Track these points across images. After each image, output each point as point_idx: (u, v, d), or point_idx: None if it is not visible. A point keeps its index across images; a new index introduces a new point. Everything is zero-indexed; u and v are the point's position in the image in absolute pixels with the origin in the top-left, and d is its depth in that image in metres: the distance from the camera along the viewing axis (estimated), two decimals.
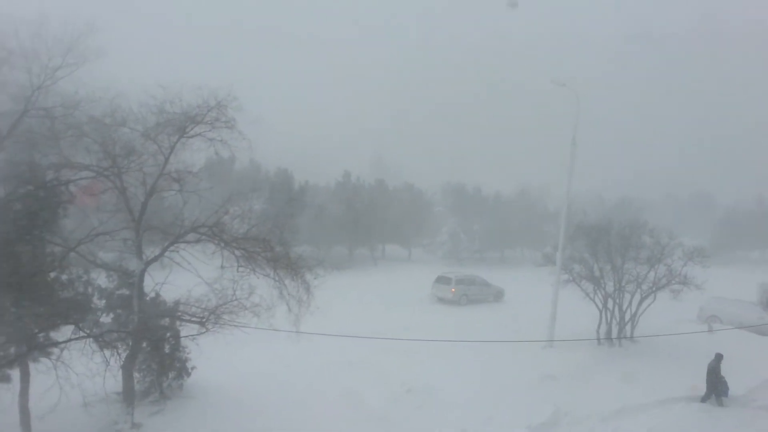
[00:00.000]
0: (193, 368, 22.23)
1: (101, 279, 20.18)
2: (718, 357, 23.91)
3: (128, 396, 19.95)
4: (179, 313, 20.84)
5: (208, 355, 21.76)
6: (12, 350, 17.43)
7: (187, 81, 19.69)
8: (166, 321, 21.16)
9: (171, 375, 21.90)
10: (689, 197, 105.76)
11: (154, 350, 20.85)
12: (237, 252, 20.73)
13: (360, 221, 63.00)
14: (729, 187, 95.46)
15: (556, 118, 71.68)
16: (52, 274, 17.89)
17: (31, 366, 18.27)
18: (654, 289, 31.06)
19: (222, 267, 21.19)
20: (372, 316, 37.10)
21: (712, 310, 38.85)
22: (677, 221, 67.97)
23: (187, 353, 22.03)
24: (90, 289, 19.16)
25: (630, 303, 31.84)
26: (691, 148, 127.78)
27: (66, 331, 18.33)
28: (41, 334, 17.71)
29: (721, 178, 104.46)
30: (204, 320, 20.31)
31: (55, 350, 17.32)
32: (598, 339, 31.58)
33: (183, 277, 20.72)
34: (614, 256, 31.55)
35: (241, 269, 20.96)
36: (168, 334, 21.33)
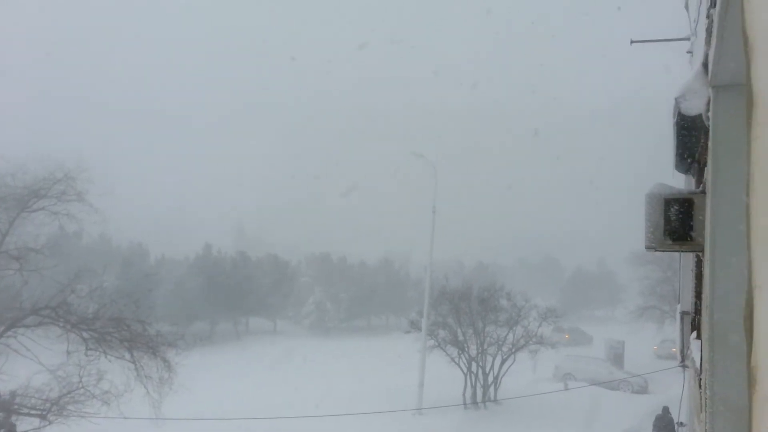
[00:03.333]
0: None
1: None
2: (665, 409, 23.47)
3: None
4: (15, 406, 18.76)
5: None
6: None
7: (33, 153, 18.53)
8: (1, 415, 18.95)
9: None
10: (539, 261, 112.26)
11: None
12: (85, 334, 19.22)
13: (222, 294, 60.98)
14: (573, 251, 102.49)
15: (415, 186, 74.30)
16: None
17: None
18: (513, 350, 32.19)
19: (68, 352, 19.49)
20: (238, 393, 35.43)
21: (567, 368, 40.77)
22: (529, 284, 71.69)
23: None
24: None
25: (492, 365, 32.74)
26: (540, 215, 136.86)
27: None
28: None
29: (566, 244, 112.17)
30: (45, 412, 18.40)
31: None
32: (464, 403, 32.02)
33: (21, 365, 18.80)
34: (475, 319, 32.51)
35: (90, 352, 19.38)
36: (3, 430, 19.07)
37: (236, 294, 62.60)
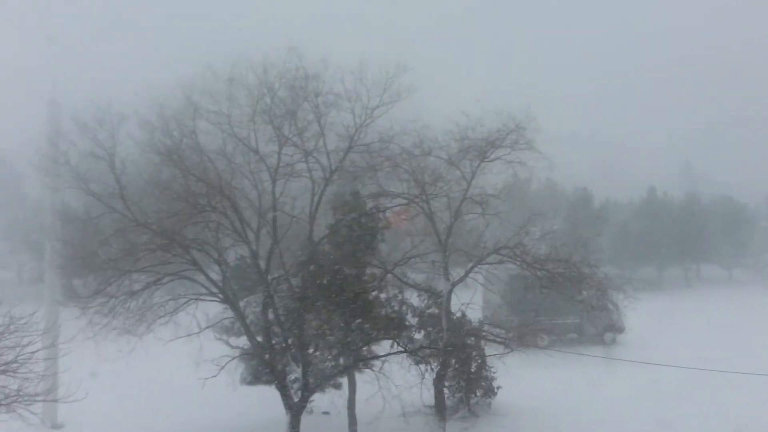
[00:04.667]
0: (498, 388, 22.61)
1: (413, 298, 21.69)
2: None
3: (440, 410, 21.02)
4: (484, 333, 21.47)
5: (515, 375, 21.92)
6: (341, 361, 19.72)
7: (489, 106, 20.41)
8: (472, 340, 21.91)
9: (479, 393, 22.54)
10: None
11: (461, 368, 21.70)
12: (539, 273, 20.72)
13: (668, 239, 58.47)
14: None
15: None
16: (373, 294, 19.79)
17: (357, 376, 20.44)
18: None
19: (524, 288, 21.37)
20: (688, 341, 33.88)
21: None
22: None
23: (493, 372, 22.49)
24: (404, 308, 20.77)
25: None
26: None
27: (385, 346, 20.15)
28: (365, 348, 19.75)
29: None
30: (507, 341, 20.63)
31: (377, 363, 19.06)
32: None
33: (477, 298, 21.33)
34: None
35: (543, 290, 20.89)
36: (474, 353, 22.06)
37: (685, 239, 59.27)
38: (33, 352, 14.43)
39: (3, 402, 13.65)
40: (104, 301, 17.85)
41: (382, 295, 20.14)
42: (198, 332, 18.93)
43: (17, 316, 14.18)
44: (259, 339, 19.05)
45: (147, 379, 26.38)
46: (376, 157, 19.97)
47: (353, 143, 19.33)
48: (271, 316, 18.99)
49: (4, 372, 13.82)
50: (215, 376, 18.33)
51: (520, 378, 22.63)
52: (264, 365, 19.36)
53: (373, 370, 18.72)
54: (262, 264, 18.70)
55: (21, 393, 13.93)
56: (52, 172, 18.33)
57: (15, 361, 14.00)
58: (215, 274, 19.14)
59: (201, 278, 18.91)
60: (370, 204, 20.71)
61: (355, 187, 20.48)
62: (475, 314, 21.68)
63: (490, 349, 21.73)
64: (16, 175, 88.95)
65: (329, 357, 20.02)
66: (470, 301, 21.36)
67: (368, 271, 20.35)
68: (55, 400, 17.11)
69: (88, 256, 17.71)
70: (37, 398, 14.46)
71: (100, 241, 17.83)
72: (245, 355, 20.02)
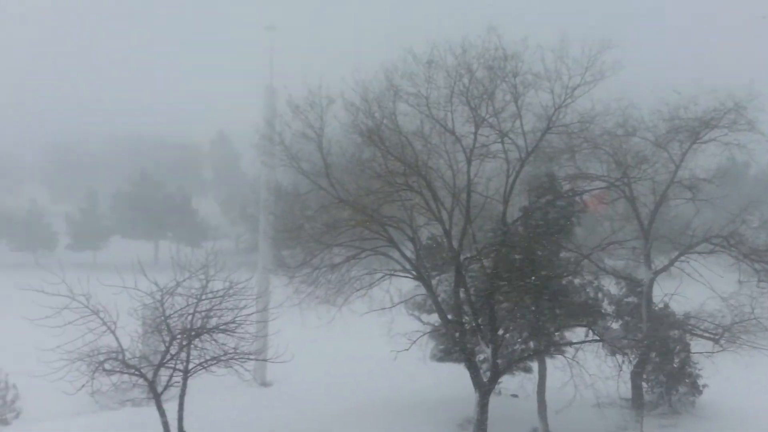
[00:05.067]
0: (704, 386, 20.94)
1: (610, 286, 20.76)
2: None
3: (637, 404, 20.00)
4: (690, 327, 20.00)
5: (725, 375, 20.16)
6: (532, 345, 19.46)
7: (704, 83, 18.82)
8: (676, 333, 20.51)
9: (681, 390, 21.07)
10: None
11: (663, 362, 20.41)
12: (757, 265, 18.86)
13: None
14: None
15: None
16: (566, 278, 19.23)
17: (548, 362, 20.06)
18: None
19: (739, 281, 19.56)
20: None
21: None
22: None
23: (699, 370, 20.86)
24: (600, 295, 19.97)
25: None
26: None
27: (579, 333, 19.54)
28: (557, 333, 19.30)
29: None
30: (717, 337, 19.03)
31: (570, 349, 18.54)
32: None
33: (693, 289, 19.82)
34: None
35: (761, 284, 18.97)
36: (677, 347, 20.66)
37: None
38: (248, 315, 15.96)
39: (222, 358, 15.21)
40: (309, 272, 19.18)
41: (577, 281, 19.50)
42: (391, 307, 19.70)
43: (235, 281, 15.70)
44: (450, 317, 19.36)
45: (344, 347, 28.07)
46: (575, 138, 19.27)
47: (551, 124, 18.78)
48: (462, 295, 19.19)
49: (223, 331, 15.41)
50: (407, 349, 18.94)
51: (732, 379, 20.77)
52: (454, 343, 19.66)
53: (565, 357, 18.23)
54: (455, 243, 18.92)
55: (237, 351, 15.46)
56: (268, 151, 19.98)
57: (233, 322, 15.57)
58: (409, 252, 19.71)
59: (396, 255, 19.58)
60: (566, 186, 20.09)
61: (551, 169, 19.96)
62: (681, 306, 20.24)
63: (696, 345, 20.18)
64: (236, 154, 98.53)
65: (519, 340, 19.85)
66: (674, 292, 19.98)
67: (562, 255, 19.84)
68: (265, 360, 18.84)
69: (296, 229, 19.11)
70: (251, 357, 15.97)
71: (307, 216, 19.12)
72: (436, 332, 20.49)
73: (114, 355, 14.16)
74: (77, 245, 64.07)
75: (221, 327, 15.39)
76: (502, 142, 19.06)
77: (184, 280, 14.92)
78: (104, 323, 13.98)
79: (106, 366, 14.04)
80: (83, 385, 13.70)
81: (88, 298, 13.75)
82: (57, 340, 13.33)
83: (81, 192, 71.16)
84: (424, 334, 19.88)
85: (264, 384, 25.02)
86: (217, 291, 15.40)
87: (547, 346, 18.95)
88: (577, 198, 20.05)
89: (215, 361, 15.24)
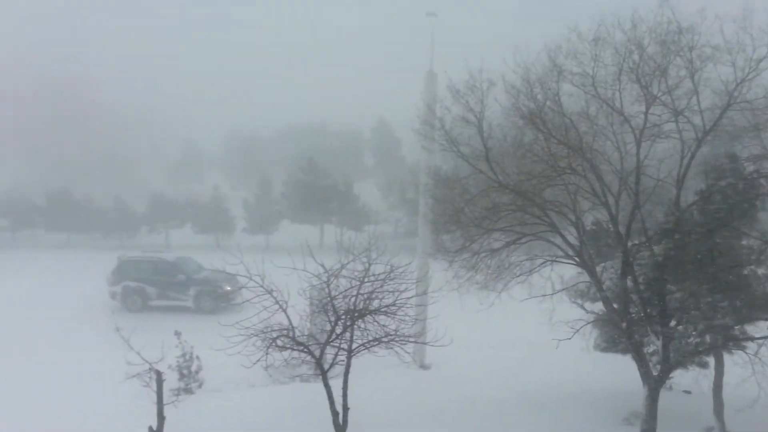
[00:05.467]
0: None
1: None
2: None
3: None
4: None
5: None
6: (708, 338, 18.10)
7: None
8: None
9: None
10: None
11: None
12: None
13: None
14: None
15: None
16: (749, 268, 17.65)
17: (726, 357, 18.58)
18: None
19: None
20: None
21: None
22: None
23: None
24: None
25: None
26: None
27: (762, 327, 17.90)
28: (737, 327, 17.78)
29: None
30: None
31: (752, 345, 17.07)
32: None
33: None
34: None
35: None
36: None
37: None
38: (408, 298, 16.29)
39: (383, 339, 15.67)
40: (468, 257, 19.19)
41: (761, 271, 17.82)
42: (552, 294, 19.22)
43: (396, 265, 16.08)
44: (616, 306, 18.51)
45: (503, 333, 27.88)
46: (759, 115, 17.52)
47: (732, 100, 17.20)
48: (629, 284, 18.26)
49: (384, 313, 15.85)
50: (569, 338, 18.43)
51: None
52: (620, 334, 18.79)
53: (746, 353, 16.80)
54: (621, 229, 18.02)
55: (398, 333, 15.85)
56: (428, 136, 20.16)
57: (393, 304, 15.97)
58: (572, 237, 19.10)
59: (558, 240, 19.04)
60: (749, 167, 18.38)
61: (732, 149, 18.37)
62: None
63: None
64: (396, 139, 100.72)
65: (693, 332, 18.55)
66: None
67: (744, 242, 18.21)
68: (424, 343, 19.16)
69: (455, 213, 19.15)
70: (410, 339, 16.31)
71: (467, 200, 19.07)
72: (600, 321, 19.71)
73: (285, 332, 15.06)
74: (252, 229, 68.67)
75: (383, 309, 15.83)
76: (676, 121, 17.80)
77: (348, 263, 15.52)
78: (277, 302, 14.89)
79: (278, 342, 14.98)
80: (258, 360, 14.71)
81: (262, 278, 14.73)
82: (236, 317, 14.43)
83: (256, 179, 76.18)
84: (588, 323, 19.22)
85: (423, 367, 25.46)
86: (379, 274, 15.85)
87: (726, 340, 17.53)
88: (762, 180, 18.27)
89: (377, 342, 15.73)
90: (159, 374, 14.33)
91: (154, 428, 14.20)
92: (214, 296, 37.37)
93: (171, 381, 19.74)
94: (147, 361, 14.31)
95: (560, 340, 18.23)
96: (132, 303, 38.38)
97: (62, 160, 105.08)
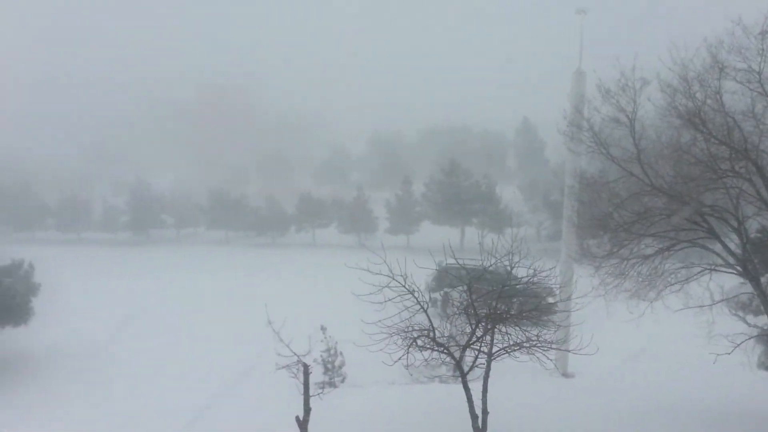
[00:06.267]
0: None
1: None
2: None
3: None
4: None
5: None
6: None
7: None
8: None
9: None
10: None
11: None
12: None
13: None
14: None
15: None
16: None
17: None
18: None
19: None
20: None
21: None
22: None
23: None
24: None
25: None
26: None
27: None
28: None
29: None
30: None
31: None
32: None
33: None
34: None
35: None
36: None
37: None
38: (551, 303, 15.88)
39: (525, 344, 15.38)
40: (616, 263, 18.38)
41: None
42: (711, 305, 17.99)
43: (539, 269, 15.73)
44: None
45: (654, 344, 26.38)
46: None
47: None
48: None
49: (527, 317, 15.56)
50: (728, 353, 17.13)
51: None
52: None
53: None
54: None
55: (540, 339, 15.49)
56: (575, 137, 19.55)
57: (536, 309, 15.63)
58: (733, 245, 17.73)
59: (717, 248, 17.77)
60: None
61: None
62: None
63: None
64: (540, 141, 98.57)
65: None
66: None
67: None
68: (567, 350, 18.57)
69: (602, 218, 18.42)
70: (553, 346, 15.88)
71: (615, 204, 18.28)
72: (765, 337, 18.15)
73: (425, 332, 15.20)
74: (394, 229, 69.99)
75: (524, 313, 15.55)
76: None
77: (489, 266, 15.39)
78: (418, 302, 15.07)
79: (419, 342, 15.14)
80: (399, 358, 14.96)
81: (405, 278, 14.96)
82: (378, 315, 14.77)
83: (398, 180, 77.53)
84: (750, 338, 17.76)
85: (566, 375, 24.67)
86: (521, 278, 15.58)
87: None
88: None
89: (518, 347, 15.46)
90: (306, 367, 14.99)
91: (301, 418, 14.88)
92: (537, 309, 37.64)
93: (316, 374, 20.56)
94: (295, 354, 15.01)
95: (718, 355, 16.99)
96: (451, 310, 39.80)
97: (222, 162, 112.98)
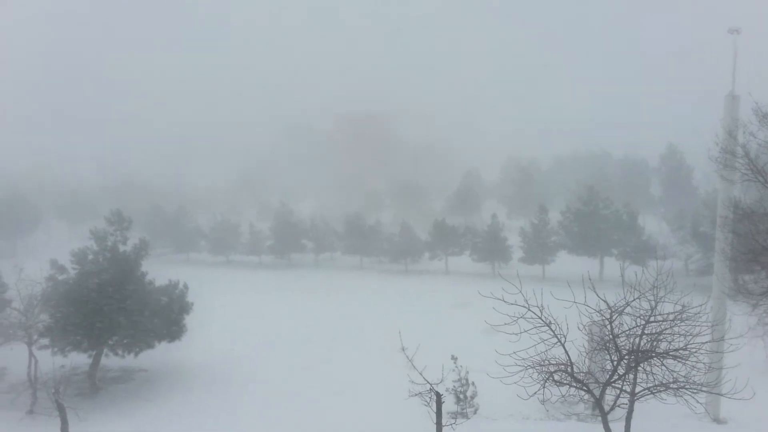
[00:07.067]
0: None
1: None
2: None
3: None
4: None
5: None
6: None
7: None
8: None
9: None
10: None
11: None
12: None
13: None
14: None
15: None
16: None
17: None
18: None
19: None
20: None
21: None
22: None
23: None
24: None
25: None
26: None
27: None
28: None
29: None
30: None
31: None
32: None
33: None
34: None
35: None
36: None
37: None
38: (702, 343, 14.78)
39: (672, 386, 14.41)
40: None
41: None
42: None
43: (688, 305, 14.72)
44: None
45: None
46: None
47: None
48: None
49: (674, 357, 14.58)
50: None
51: None
52: None
53: None
54: None
55: (688, 380, 14.44)
56: (729, 164, 18.29)
57: (684, 348, 14.61)
58: None
59: None
60: None
61: None
62: None
63: None
64: (687, 168, 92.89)
65: None
66: None
67: None
68: (720, 394, 17.17)
69: (760, 251, 17.02)
70: (703, 388, 14.75)
71: None
72: None
73: (563, 367, 14.66)
74: (528, 258, 68.29)
75: (671, 352, 14.59)
76: None
77: (633, 300, 14.63)
78: (555, 335, 14.58)
79: (556, 377, 14.62)
80: (535, 393, 14.51)
81: (541, 309, 14.55)
82: (512, 347, 14.44)
83: (533, 208, 75.87)
84: None
85: (717, 421, 22.79)
86: (667, 314, 14.66)
87: None
88: None
89: (664, 388, 14.52)
90: (438, 396, 14.91)
91: None
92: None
93: (448, 403, 20.40)
94: (428, 382, 14.99)
95: None
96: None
97: (358, 189, 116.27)
